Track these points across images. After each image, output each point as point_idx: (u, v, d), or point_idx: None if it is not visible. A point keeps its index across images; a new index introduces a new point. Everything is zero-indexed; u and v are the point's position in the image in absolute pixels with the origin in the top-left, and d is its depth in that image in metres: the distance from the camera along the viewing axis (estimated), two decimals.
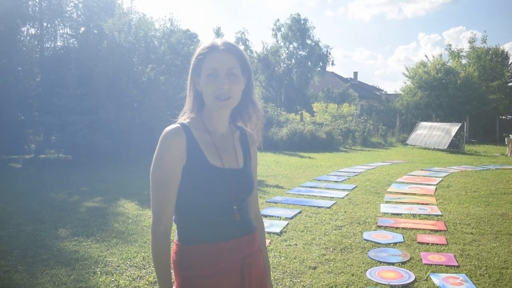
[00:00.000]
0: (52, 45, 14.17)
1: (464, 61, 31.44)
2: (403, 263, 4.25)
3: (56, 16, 13.73)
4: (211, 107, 1.56)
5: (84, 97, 11.60)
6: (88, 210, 6.27)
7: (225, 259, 1.52)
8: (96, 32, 13.06)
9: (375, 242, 4.92)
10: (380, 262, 4.28)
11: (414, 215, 6.21)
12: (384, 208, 6.67)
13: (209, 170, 1.52)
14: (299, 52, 32.93)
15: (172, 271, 1.53)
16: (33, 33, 13.87)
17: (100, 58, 12.08)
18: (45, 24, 13.69)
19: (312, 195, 7.62)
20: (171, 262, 1.55)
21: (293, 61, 33.19)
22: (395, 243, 4.88)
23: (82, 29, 13.87)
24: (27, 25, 13.45)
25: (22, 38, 13.19)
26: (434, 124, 20.13)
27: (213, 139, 1.59)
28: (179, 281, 1.54)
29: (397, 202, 7.17)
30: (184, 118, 1.62)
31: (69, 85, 11.41)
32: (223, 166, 1.56)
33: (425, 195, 7.83)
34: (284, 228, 5.43)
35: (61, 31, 14.29)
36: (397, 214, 6.28)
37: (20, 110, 12.21)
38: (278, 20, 33.29)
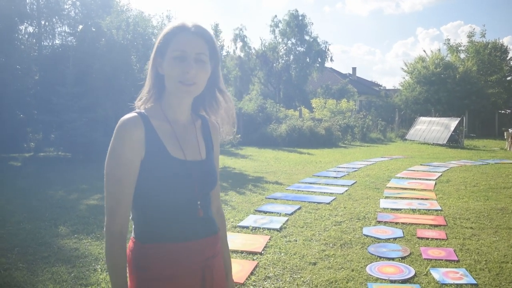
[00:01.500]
0: (50, 43, 14.15)
1: (462, 56, 31.46)
2: (403, 258, 4.26)
3: (54, 14, 13.71)
4: (173, 92, 1.44)
5: (82, 95, 11.58)
6: (87, 207, 6.27)
7: (186, 261, 1.41)
8: (94, 30, 13.04)
9: (375, 237, 4.93)
10: (380, 257, 4.29)
11: (413, 210, 6.22)
12: (383, 203, 6.67)
13: (170, 163, 1.41)
14: (297, 48, 32.84)
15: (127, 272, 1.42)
16: (31, 31, 13.86)
17: (98, 56, 12.05)
18: (43, 22, 13.67)
19: (312, 191, 7.63)
20: (127, 261, 1.42)
21: (291, 57, 33.11)
22: (395, 238, 4.89)
23: (80, 27, 13.85)
24: (25, 23, 13.43)
25: (20, 37, 13.16)
26: (433, 119, 20.14)
27: (174, 129, 1.47)
28: (134, 282, 1.41)
29: (397, 197, 7.18)
30: (141, 103, 1.49)
31: (68, 83, 11.39)
32: (185, 158, 1.45)
33: (425, 190, 7.84)
34: (284, 224, 5.43)
35: (59, 29, 14.27)
36: (397, 209, 6.29)
37: (19, 109, 12.20)
38: (275, 16, 33.27)
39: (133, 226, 1.46)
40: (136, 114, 1.43)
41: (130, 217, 1.44)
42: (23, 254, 4.27)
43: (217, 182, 1.59)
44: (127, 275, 1.42)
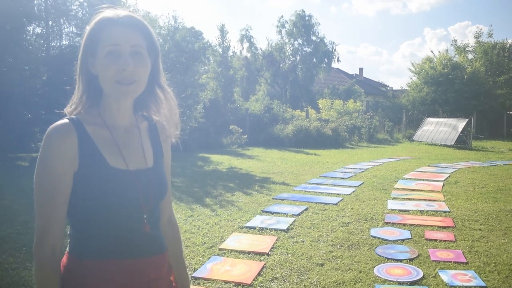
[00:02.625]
0: (58, 44, 14.20)
1: (470, 56, 31.27)
2: (411, 259, 4.23)
3: (61, 15, 13.76)
4: (110, 94, 1.27)
5: None
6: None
7: (127, 281, 1.25)
8: None
9: (382, 238, 4.90)
10: (388, 258, 4.26)
11: (421, 212, 6.18)
12: (391, 204, 6.64)
13: (109, 174, 1.23)
14: (304, 49, 32.80)
15: None
16: (39, 32, 13.91)
17: None
18: (50, 23, 13.74)
19: (319, 192, 7.60)
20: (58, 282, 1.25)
21: (298, 57, 33.07)
22: (403, 240, 4.86)
23: (87, 27, 13.89)
24: (33, 24, 13.50)
25: (28, 37, 13.23)
26: (441, 120, 20.03)
27: (113, 135, 1.30)
28: None
29: (404, 198, 7.14)
30: (72, 110, 1.31)
31: (75, 83, 11.41)
32: (128, 167, 1.27)
33: (433, 191, 7.79)
34: (290, 225, 5.42)
35: (66, 29, 14.32)
36: (405, 211, 6.26)
37: (26, 109, 12.26)
38: (282, 16, 33.24)
39: (69, 240, 1.30)
40: (67, 120, 1.26)
41: (68, 233, 1.29)
42: (31, 253, 4.26)
43: (167, 191, 1.42)
44: None
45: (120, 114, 1.32)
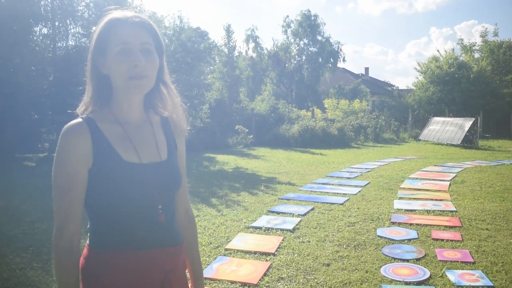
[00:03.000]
0: (64, 45, 14.26)
1: (477, 55, 31.09)
2: (417, 259, 4.21)
3: (67, 16, 13.82)
4: (123, 91, 1.32)
5: None
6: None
7: (144, 272, 1.30)
8: None
9: (389, 238, 4.88)
10: (395, 258, 4.24)
11: (428, 211, 6.15)
12: (397, 204, 6.61)
13: (123, 168, 1.29)
14: (309, 49, 32.76)
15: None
16: (45, 32, 13.98)
17: None
18: (57, 24, 13.80)
19: (325, 192, 7.59)
20: (80, 269, 1.32)
21: (303, 57, 33.03)
22: (409, 240, 4.84)
23: (94, 28, 13.96)
24: (40, 25, 13.57)
25: (34, 38, 13.30)
26: (447, 119, 19.92)
27: (126, 131, 1.34)
28: None
29: (411, 198, 7.11)
30: (83, 110, 1.37)
31: (82, 84, 11.44)
32: (141, 161, 1.33)
33: (439, 191, 7.75)
34: (297, 225, 5.41)
35: (72, 30, 14.38)
36: (411, 210, 6.23)
37: (33, 109, 12.33)
38: (287, 16, 33.26)
39: (88, 234, 1.36)
40: (81, 119, 1.32)
41: (88, 227, 1.36)
42: (37, 254, 4.31)
43: (181, 183, 1.46)
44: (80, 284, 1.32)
45: (131, 110, 1.37)
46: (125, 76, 1.28)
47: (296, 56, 33.13)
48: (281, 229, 5.20)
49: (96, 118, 1.33)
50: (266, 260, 4.19)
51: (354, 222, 5.57)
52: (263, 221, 5.58)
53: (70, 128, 1.29)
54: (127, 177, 1.29)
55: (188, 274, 1.54)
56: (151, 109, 1.45)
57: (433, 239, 4.86)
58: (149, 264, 1.31)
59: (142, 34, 1.30)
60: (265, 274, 3.84)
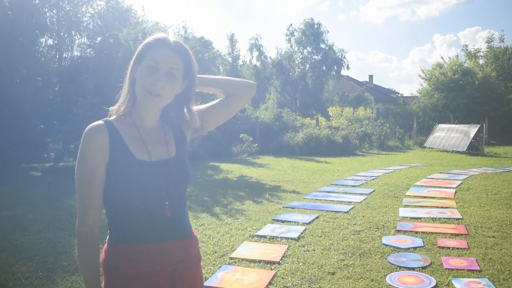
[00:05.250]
0: (70, 55, 14.41)
1: (481, 61, 31.06)
2: (423, 267, 4.19)
3: (73, 27, 13.96)
4: (140, 99, 1.50)
5: (101, 106, 11.64)
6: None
7: (154, 262, 1.44)
8: (111, 41, 13.25)
9: (394, 246, 4.86)
10: (400, 267, 4.22)
11: (433, 219, 6.12)
12: (403, 212, 6.58)
13: (134, 165, 1.45)
14: (313, 57, 32.89)
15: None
16: (51, 43, 14.13)
17: (116, 67, 12.21)
18: (62, 35, 13.93)
19: (330, 200, 7.57)
20: (101, 261, 1.49)
21: (307, 65, 33.14)
22: (415, 248, 4.81)
23: (99, 39, 14.08)
24: (45, 36, 13.70)
25: (40, 49, 13.43)
26: (452, 126, 19.87)
27: (140, 133, 1.51)
28: (105, 280, 1.48)
29: (416, 206, 7.07)
30: (116, 109, 1.55)
31: (87, 93, 11.55)
32: (151, 159, 1.48)
33: (445, 198, 7.71)
34: (301, 233, 5.39)
35: (78, 41, 14.53)
36: (417, 218, 6.20)
37: (39, 119, 12.41)
38: (291, 25, 33.31)
39: (108, 230, 1.52)
40: (101, 121, 1.49)
41: (106, 221, 1.51)
42: (43, 263, 4.32)
43: (190, 178, 1.59)
44: (101, 275, 1.48)
45: (148, 116, 1.53)
46: (144, 88, 1.45)
47: (300, 64, 33.25)
48: (286, 238, 5.19)
49: (116, 121, 1.50)
50: (271, 269, 4.17)
51: (359, 230, 5.55)
52: (268, 229, 5.57)
53: (91, 128, 1.46)
54: (137, 174, 1.44)
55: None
56: (170, 118, 1.62)
57: (439, 247, 4.83)
58: (159, 256, 1.44)
59: (174, 59, 1.48)
60: (270, 283, 3.83)
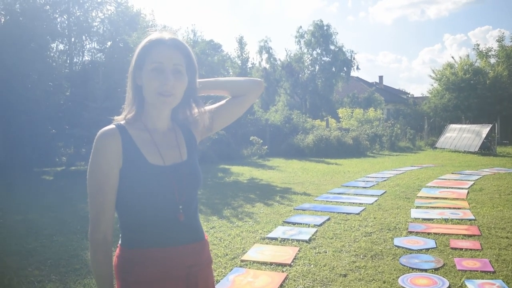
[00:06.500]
0: (80, 60, 14.55)
1: (492, 61, 30.74)
2: (436, 269, 4.15)
3: (83, 32, 14.10)
4: (152, 103, 1.48)
5: (112, 110, 11.64)
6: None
7: (169, 266, 1.43)
8: (121, 45, 13.34)
9: (406, 248, 4.82)
10: (413, 268, 4.19)
11: (446, 220, 6.07)
12: (414, 213, 6.53)
13: (148, 170, 1.43)
14: (323, 58, 32.82)
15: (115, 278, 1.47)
16: (62, 48, 14.29)
17: (126, 71, 12.13)
18: (73, 40, 14.07)
19: (341, 202, 7.54)
20: (113, 266, 1.48)
21: (317, 67, 33.09)
22: (428, 249, 4.77)
23: (109, 43, 14.20)
24: (56, 41, 13.86)
25: (51, 54, 13.58)
26: (464, 126, 19.70)
27: (153, 137, 1.50)
28: (118, 285, 1.47)
29: (428, 207, 7.02)
30: (123, 115, 1.53)
31: (97, 98, 11.65)
32: (164, 163, 1.47)
33: (457, 199, 7.64)
34: (313, 235, 5.38)
35: (88, 46, 14.67)
36: (429, 219, 6.15)
37: (51, 124, 12.54)
38: (300, 27, 33.29)
39: (120, 234, 1.51)
40: (113, 126, 1.47)
41: (118, 225, 1.49)
42: (55, 266, 4.35)
43: (201, 181, 1.59)
44: (115, 279, 1.47)
45: (159, 120, 1.53)
46: (155, 91, 1.43)
47: (310, 66, 33.20)
48: (297, 240, 5.17)
49: (128, 125, 1.49)
50: (283, 271, 4.16)
51: (371, 232, 5.52)
52: (279, 232, 5.56)
53: (103, 133, 1.44)
54: (151, 179, 1.42)
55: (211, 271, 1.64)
56: (180, 121, 1.61)
57: (452, 248, 4.79)
58: (172, 260, 1.44)
59: (175, 55, 1.46)
60: (281, 285, 3.82)
